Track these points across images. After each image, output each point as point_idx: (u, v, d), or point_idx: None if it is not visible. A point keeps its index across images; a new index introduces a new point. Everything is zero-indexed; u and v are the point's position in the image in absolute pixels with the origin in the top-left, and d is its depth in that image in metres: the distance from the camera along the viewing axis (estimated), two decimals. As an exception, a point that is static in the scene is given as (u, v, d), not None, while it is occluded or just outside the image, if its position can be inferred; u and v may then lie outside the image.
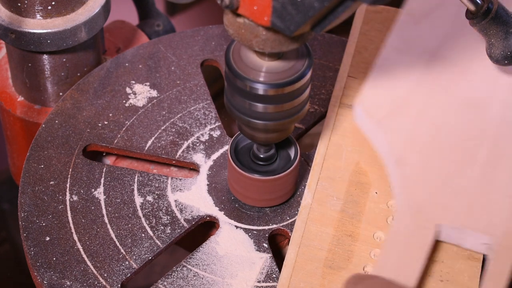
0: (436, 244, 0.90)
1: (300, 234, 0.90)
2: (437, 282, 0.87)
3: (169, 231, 0.93)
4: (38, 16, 1.05)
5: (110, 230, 0.92)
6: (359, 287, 0.81)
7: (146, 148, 1.00)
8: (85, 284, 0.88)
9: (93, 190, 0.96)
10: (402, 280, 0.85)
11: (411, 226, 0.89)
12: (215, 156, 1.00)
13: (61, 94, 1.12)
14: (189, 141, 1.01)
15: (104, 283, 0.88)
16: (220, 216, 0.95)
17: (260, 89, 0.84)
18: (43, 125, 1.01)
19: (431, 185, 0.92)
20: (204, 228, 0.98)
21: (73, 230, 0.92)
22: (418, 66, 1.02)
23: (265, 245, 0.92)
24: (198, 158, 0.99)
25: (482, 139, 0.96)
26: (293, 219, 0.95)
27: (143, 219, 0.94)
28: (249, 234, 0.93)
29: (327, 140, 0.98)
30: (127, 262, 0.90)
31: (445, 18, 1.07)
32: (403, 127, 0.96)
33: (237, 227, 0.94)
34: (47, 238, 0.91)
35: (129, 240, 0.92)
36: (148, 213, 0.94)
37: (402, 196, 0.91)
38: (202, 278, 0.89)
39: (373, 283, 0.81)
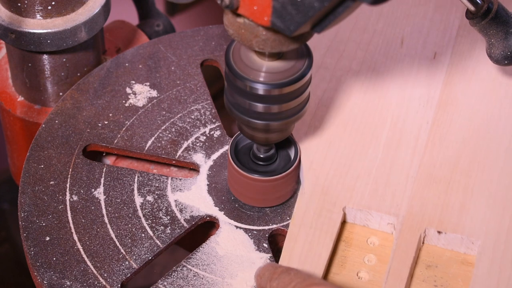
0: (430, 249, 0.91)
1: (293, 238, 0.90)
2: (432, 287, 0.88)
3: (169, 231, 0.93)
4: (38, 16, 1.05)
5: (110, 230, 0.92)
6: (275, 284, 0.80)
7: (146, 148, 1.00)
8: (85, 284, 0.88)
9: (93, 190, 0.96)
10: (309, 266, 0.87)
11: (318, 209, 0.91)
12: (215, 156, 1.00)
13: (61, 94, 1.12)
14: (189, 141, 1.01)
15: (104, 283, 0.88)
16: (220, 216, 0.95)
17: (260, 89, 0.84)
18: (43, 125, 1.01)
19: (336, 168, 0.95)
20: (204, 228, 0.98)
21: (73, 230, 0.92)
22: (318, 50, 1.05)
23: (265, 245, 0.92)
24: (198, 158, 0.99)
25: (383, 120, 0.99)
26: (293, 219, 0.95)
27: (143, 219, 0.94)
28: (249, 234, 0.93)
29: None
30: (127, 262, 0.90)
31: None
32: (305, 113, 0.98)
33: (237, 227, 0.94)
34: (47, 238, 0.91)
35: (129, 240, 0.92)
36: (148, 213, 0.94)
37: (308, 179, 0.93)
38: (202, 278, 0.89)
39: (290, 277, 0.80)
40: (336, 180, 0.94)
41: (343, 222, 0.92)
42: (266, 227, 0.94)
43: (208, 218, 0.95)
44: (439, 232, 0.90)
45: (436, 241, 0.90)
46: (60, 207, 0.94)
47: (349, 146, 0.97)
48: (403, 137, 0.97)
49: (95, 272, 0.89)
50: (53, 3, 1.04)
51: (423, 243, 0.90)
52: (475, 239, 0.89)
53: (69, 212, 0.94)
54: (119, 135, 1.01)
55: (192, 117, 1.03)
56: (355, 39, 1.07)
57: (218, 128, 1.02)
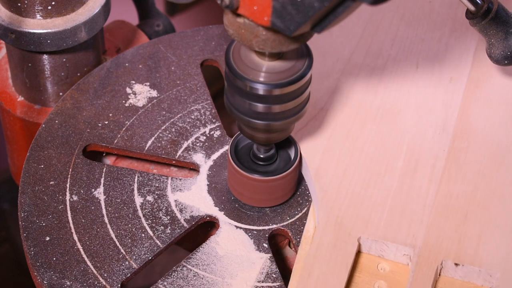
0: (447, 281, 0.88)
1: (302, 265, 0.88)
2: None
3: (169, 231, 0.93)
4: (38, 16, 1.05)
5: (110, 230, 0.92)
6: None
7: (146, 148, 1.00)
8: (85, 284, 0.88)
9: (93, 190, 0.96)
10: None
11: (333, 240, 0.89)
12: (215, 156, 1.00)
13: (61, 94, 1.12)
14: (189, 141, 1.01)
15: (104, 283, 0.88)
16: (220, 216, 0.95)
17: (260, 89, 0.84)
18: (43, 125, 1.01)
19: (350, 197, 0.92)
20: (204, 228, 0.98)
21: (73, 230, 0.92)
22: (331, 77, 1.02)
23: (265, 245, 0.92)
24: (198, 158, 0.99)
25: (399, 147, 0.96)
26: (293, 219, 0.95)
27: (143, 219, 0.94)
28: (249, 234, 0.93)
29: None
30: (127, 262, 0.90)
31: (354, 25, 1.08)
32: (319, 141, 0.96)
33: (237, 227, 0.94)
34: (47, 238, 0.91)
35: (129, 240, 0.92)
36: (148, 213, 0.94)
37: (322, 210, 0.91)
38: (202, 278, 0.89)
39: None
40: (351, 210, 0.91)
41: (357, 252, 0.90)
42: (266, 227, 0.94)
43: (208, 218, 0.95)
44: (456, 264, 0.87)
45: (453, 273, 0.88)
46: (60, 207, 0.94)
47: (364, 174, 0.94)
48: (419, 165, 0.95)
49: (95, 272, 0.89)
50: (53, 3, 1.04)
51: (439, 275, 0.88)
52: (493, 272, 0.86)
53: (69, 212, 0.94)
54: (119, 135, 1.01)
55: (192, 117, 1.03)
56: (369, 64, 1.04)
57: (218, 128, 1.02)
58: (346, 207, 0.91)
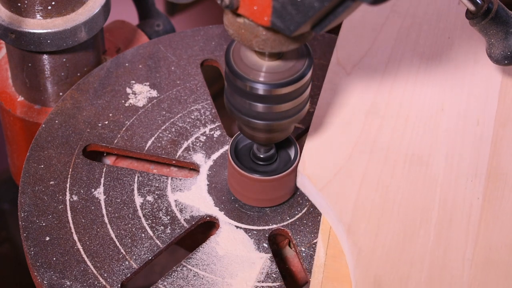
0: None
1: None
2: None
3: (169, 231, 0.93)
4: (38, 16, 1.05)
5: (110, 230, 0.92)
6: None
7: (146, 148, 1.00)
8: (85, 284, 0.88)
9: (93, 190, 0.96)
10: None
11: None
12: (215, 156, 1.00)
13: (61, 94, 1.12)
14: (189, 141, 1.01)
15: (104, 283, 0.88)
16: (220, 216, 0.95)
17: (260, 89, 0.84)
18: (43, 125, 1.01)
19: (387, 253, 0.88)
20: (204, 228, 0.98)
21: (73, 230, 0.92)
22: (355, 123, 0.98)
23: (265, 245, 0.92)
24: (198, 158, 0.99)
25: (431, 198, 0.92)
26: (293, 219, 0.95)
27: (143, 219, 0.94)
28: (249, 234, 0.93)
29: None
30: (127, 262, 0.90)
31: (377, 65, 1.04)
32: (349, 194, 0.92)
33: (237, 227, 0.94)
34: (47, 238, 0.91)
35: (129, 240, 0.92)
36: (148, 213, 0.94)
37: (358, 269, 0.87)
38: (202, 278, 0.89)
39: None
40: (389, 267, 0.86)
41: None
42: (266, 227, 0.94)
43: (208, 218, 0.95)
44: None
45: None
46: (60, 207, 0.94)
47: (398, 228, 0.89)
48: (454, 216, 0.90)
49: (95, 272, 0.89)
50: (53, 3, 1.04)
51: None
52: None
53: (69, 212, 0.94)
54: (119, 135, 1.01)
55: (192, 117, 1.03)
56: (392, 109, 1.00)
57: (218, 128, 1.02)
58: (384, 264, 0.86)
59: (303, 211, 0.95)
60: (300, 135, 1.04)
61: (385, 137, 0.97)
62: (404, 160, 0.95)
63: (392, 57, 1.05)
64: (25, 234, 0.92)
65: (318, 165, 0.94)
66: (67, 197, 0.95)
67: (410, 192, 0.92)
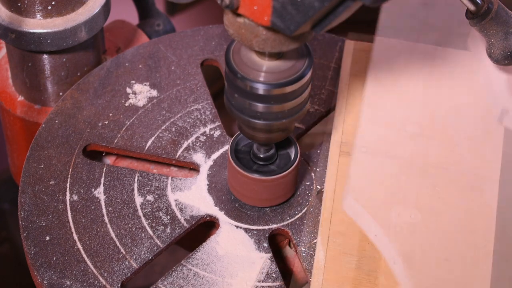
0: None
1: None
2: None
3: (169, 231, 0.93)
4: (38, 16, 1.05)
5: (110, 230, 0.92)
6: None
7: (146, 148, 1.00)
8: (85, 284, 0.88)
9: (93, 189, 0.96)
10: None
11: None
12: (215, 156, 1.00)
13: (61, 94, 1.12)
14: (189, 141, 1.01)
15: (104, 283, 0.88)
16: (220, 216, 0.95)
17: (260, 89, 0.84)
18: (43, 125, 1.01)
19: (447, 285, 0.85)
20: (204, 228, 0.98)
21: (73, 230, 0.92)
22: (402, 142, 0.96)
23: (265, 245, 0.92)
24: (198, 158, 0.99)
25: (485, 222, 0.89)
26: (293, 219, 0.95)
27: (143, 219, 0.94)
28: (249, 234, 0.93)
29: (332, 193, 0.94)
30: (127, 262, 0.90)
31: (416, 83, 1.02)
32: (402, 220, 0.90)
33: (237, 227, 0.94)
34: (47, 238, 0.91)
35: (129, 240, 0.92)
36: (148, 213, 0.94)
37: None
38: (202, 278, 0.89)
39: None
40: None
41: None
42: (266, 227, 0.94)
43: (208, 218, 0.95)
44: None
45: None
46: (60, 206, 0.94)
47: (457, 259, 0.86)
48: (508, 236, 0.88)
49: (95, 272, 0.89)
50: (53, 3, 1.04)
51: None
52: None
53: (69, 211, 0.94)
54: (119, 135, 1.01)
55: (192, 117, 1.03)
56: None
57: (218, 128, 1.02)
58: None
59: (303, 211, 0.95)
60: (300, 135, 1.04)
61: (432, 157, 0.93)
62: (455, 183, 0.91)
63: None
64: (25, 234, 0.92)
65: (366, 187, 0.91)
66: (67, 197, 0.95)
67: (465, 215, 0.89)
